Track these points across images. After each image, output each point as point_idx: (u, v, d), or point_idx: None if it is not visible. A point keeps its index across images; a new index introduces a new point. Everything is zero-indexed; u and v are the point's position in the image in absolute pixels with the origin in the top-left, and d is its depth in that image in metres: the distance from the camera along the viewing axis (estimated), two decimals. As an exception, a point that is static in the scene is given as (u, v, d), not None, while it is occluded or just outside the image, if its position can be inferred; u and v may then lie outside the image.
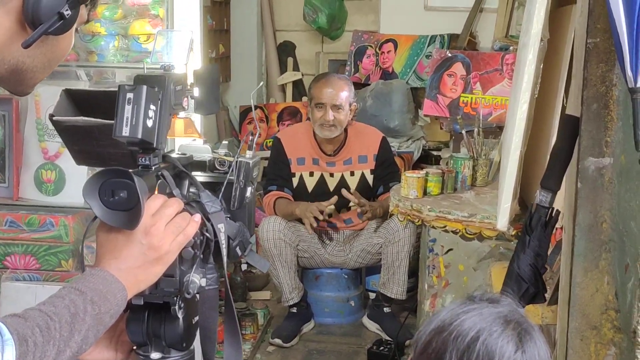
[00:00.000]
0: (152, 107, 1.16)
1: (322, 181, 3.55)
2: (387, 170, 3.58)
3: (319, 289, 3.61)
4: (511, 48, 4.23)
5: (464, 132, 3.20)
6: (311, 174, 3.57)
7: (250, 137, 1.37)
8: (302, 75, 5.22)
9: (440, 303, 2.90)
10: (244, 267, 3.89)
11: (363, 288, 3.79)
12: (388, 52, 4.94)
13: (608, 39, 1.51)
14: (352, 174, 3.58)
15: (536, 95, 2.41)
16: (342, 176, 3.53)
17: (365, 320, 3.63)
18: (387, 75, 4.91)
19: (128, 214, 1.10)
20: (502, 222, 2.48)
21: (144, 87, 1.14)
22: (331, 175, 3.54)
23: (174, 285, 1.18)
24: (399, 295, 3.45)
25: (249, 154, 1.36)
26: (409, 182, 2.85)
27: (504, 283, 1.70)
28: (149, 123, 1.15)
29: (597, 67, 1.52)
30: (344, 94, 3.50)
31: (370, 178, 3.58)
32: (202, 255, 1.20)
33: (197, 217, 1.18)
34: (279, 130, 4.79)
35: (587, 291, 1.60)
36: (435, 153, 4.80)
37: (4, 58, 0.98)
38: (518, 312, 1.10)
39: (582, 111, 1.56)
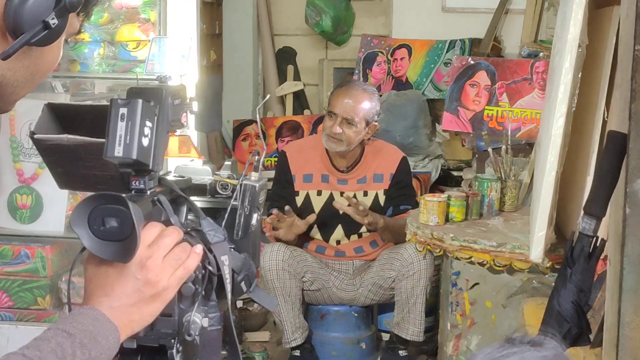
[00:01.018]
0: (148, 123, 1.17)
1: (331, 201, 3.55)
2: (400, 191, 3.59)
3: (325, 329, 3.61)
4: (542, 54, 4.26)
5: (489, 150, 3.21)
6: (319, 193, 3.57)
7: (256, 157, 1.39)
8: (304, 85, 5.25)
9: (465, 345, 2.90)
10: (239, 303, 3.89)
11: (375, 328, 3.77)
12: (401, 59, 4.97)
13: (659, 46, 1.53)
14: (365, 194, 3.59)
15: (574, 108, 2.43)
16: (355, 196, 3.53)
17: (379, 366, 3.62)
18: (400, 85, 4.94)
19: (121, 244, 1.10)
20: (537, 252, 2.49)
21: (139, 102, 1.15)
22: (342, 194, 3.54)
23: (172, 326, 1.19)
24: (415, 337, 3.44)
25: (254, 175, 1.37)
26: (429, 207, 2.86)
27: (543, 322, 1.70)
28: (145, 142, 1.16)
29: (647, 77, 1.53)
30: (362, 110, 3.51)
31: (383, 199, 3.59)
32: (203, 292, 1.21)
33: (199, 249, 1.19)
34: (277, 148, 4.81)
35: (638, 332, 1.60)
36: (455, 173, 4.82)
37: None
38: (564, 357, 1.10)
39: (629, 127, 1.57)
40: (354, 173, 3.59)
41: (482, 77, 4.07)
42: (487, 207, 3.05)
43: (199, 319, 1.19)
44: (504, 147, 3.22)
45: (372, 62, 4.98)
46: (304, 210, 3.52)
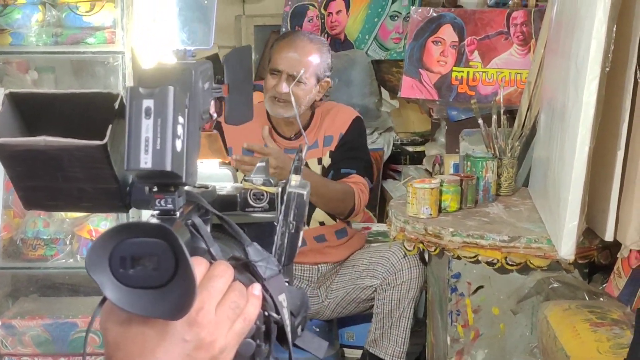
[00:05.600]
0: (180, 119, 0.99)
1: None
2: (346, 153, 3.41)
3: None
4: (511, 2, 4.19)
5: (480, 121, 3.12)
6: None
7: (298, 155, 1.22)
8: (218, 48, 5.05)
9: (468, 362, 2.80)
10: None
11: (338, 344, 3.66)
12: (337, 12, 4.84)
13: None
14: (319, 161, 3.43)
15: (607, 69, 2.34)
16: (307, 165, 3.37)
17: (348, 391, 3.50)
18: (338, 44, 4.81)
19: (163, 293, 0.92)
20: (568, 247, 2.40)
21: (170, 89, 0.97)
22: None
23: (229, 400, 1.01)
24: (395, 358, 3.33)
25: (295, 179, 1.20)
26: (419, 196, 2.74)
27: (633, 345, 1.59)
28: (178, 145, 0.98)
29: None
30: (311, 63, 3.35)
31: (328, 162, 3.43)
32: (266, 346, 1.04)
33: (257, 289, 1.03)
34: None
35: None
36: (410, 149, 4.73)
37: None
38: None
39: None
40: (302, 140, 3.42)
41: (447, 32, 3.97)
42: (482, 191, 2.96)
43: (264, 389, 1.02)
44: (494, 117, 3.13)
45: (302, 18, 4.84)
46: None
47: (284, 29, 4.83)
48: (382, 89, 4.91)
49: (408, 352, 3.48)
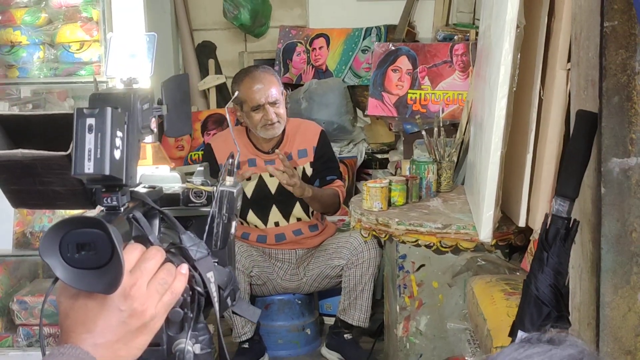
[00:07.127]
0: (119, 133, 0.99)
1: (261, 184, 3.41)
2: (325, 164, 3.48)
3: (270, 319, 3.44)
4: (456, 37, 4.18)
5: (423, 132, 3.11)
6: (248, 178, 3.42)
7: (231, 161, 1.21)
8: (226, 78, 5.04)
9: (414, 326, 2.79)
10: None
11: (318, 313, 3.64)
12: (320, 48, 4.82)
13: (627, 21, 1.42)
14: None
15: (514, 89, 2.33)
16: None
17: (325, 351, 3.48)
18: (320, 73, 4.79)
19: (100, 272, 0.93)
20: (486, 232, 2.39)
21: (108, 110, 0.97)
22: (271, 175, 3.39)
23: (162, 356, 1.02)
24: (361, 323, 3.32)
25: (229, 180, 1.20)
26: (372, 193, 2.73)
27: (520, 309, 1.58)
28: (117, 154, 0.98)
29: (617, 54, 1.43)
30: (275, 87, 3.39)
31: (310, 171, 3.46)
32: (192, 315, 1.03)
33: (184, 269, 1.02)
34: (203, 142, 4.61)
35: (618, 311, 1.50)
36: (379, 156, 4.71)
37: None
38: (592, 353, 0.98)
39: (601, 105, 1.46)
40: (281, 151, 3.44)
41: (403, 62, 3.96)
42: (425, 189, 2.95)
43: (191, 346, 1.01)
44: (436, 129, 3.12)
45: (292, 53, 4.82)
46: None
47: (277, 62, 4.83)
48: (357, 109, 4.89)
49: (375, 319, 3.47)
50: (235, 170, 1.21)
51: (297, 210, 3.40)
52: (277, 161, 3.23)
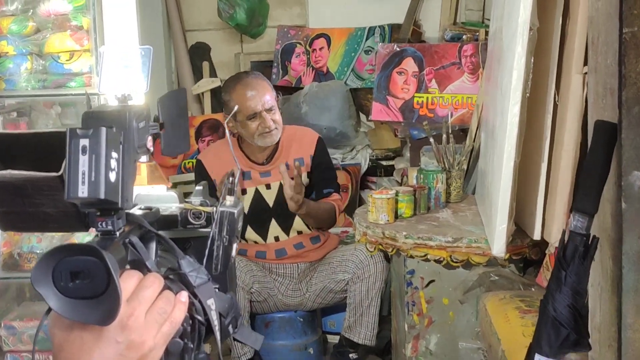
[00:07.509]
0: (114, 154, 0.99)
1: (258, 197, 3.41)
2: (322, 175, 3.47)
3: (271, 338, 3.45)
4: (465, 37, 4.19)
5: (431, 139, 3.11)
6: (244, 192, 3.42)
7: (230, 179, 1.22)
8: (221, 81, 5.04)
9: (423, 345, 2.79)
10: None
11: (321, 331, 3.64)
12: (320, 49, 4.83)
13: (648, 28, 1.42)
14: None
15: (528, 94, 2.33)
16: (281, 186, 3.38)
17: (329, 371, 3.49)
18: (321, 76, 4.80)
19: (96, 303, 0.93)
20: (499, 246, 2.40)
21: (103, 130, 0.97)
22: (268, 187, 3.39)
23: (160, 390, 1.01)
24: (367, 341, 3.33)
25: (229, 200, 1.20)
26: (378, 205, 2.73)
27: (537, 330, 1.58)
28: (112, 176, 0.98)
29: (637, 61, 1.43)
30: (269, 92, 3.41)
31: (307, 182, 3.47)
32: (192, 345, 1.04)
33: (184, 296, 1.02)
34: (197, 149, 4.61)
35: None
36: (384, 163, 4.72)
37: None
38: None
39: (620, 116, 1.47)
40: (274, 163, 3.44)
41: (409, 64, 3.98)
42: (434, 199, 2.95)
43: (191, 379, 1.01)
44: (445, 135, 3.13)
45: (291, 54, 4.83)
46: None
47: (275, 64, 4.83)
48: (360, 113, 4.89)
49: (382, 336, 3.47)
50: (235, 189, 1.21)
51: (298, 222, 3.41)
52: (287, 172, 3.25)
